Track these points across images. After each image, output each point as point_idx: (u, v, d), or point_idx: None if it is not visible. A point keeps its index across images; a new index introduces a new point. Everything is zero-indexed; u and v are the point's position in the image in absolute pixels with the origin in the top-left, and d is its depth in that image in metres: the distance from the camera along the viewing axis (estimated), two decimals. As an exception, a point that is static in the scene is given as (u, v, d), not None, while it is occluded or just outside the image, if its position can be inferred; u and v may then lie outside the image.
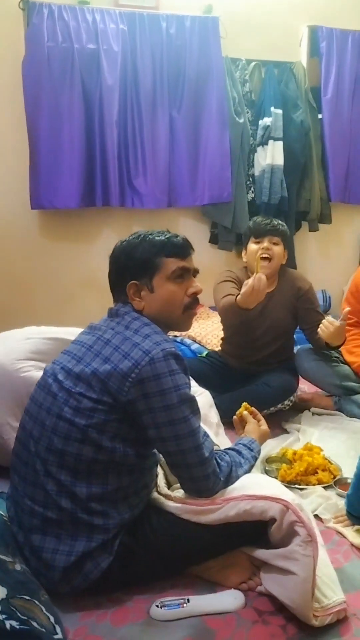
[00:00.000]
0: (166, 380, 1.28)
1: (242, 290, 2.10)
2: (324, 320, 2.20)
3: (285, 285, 2.38)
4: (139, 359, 1.27)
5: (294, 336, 2.54)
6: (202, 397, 2.15)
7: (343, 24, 3.36)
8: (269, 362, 2.41)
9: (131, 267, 1.41)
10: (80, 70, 2.76)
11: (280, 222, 2.38)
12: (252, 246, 2.34)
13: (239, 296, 2.12)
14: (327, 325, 2.17)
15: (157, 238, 1.42)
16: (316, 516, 1.66)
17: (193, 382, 2.22)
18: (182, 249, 1.45)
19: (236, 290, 2.26)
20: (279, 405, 2.34)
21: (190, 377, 2.18)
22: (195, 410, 1.35)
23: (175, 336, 3.09)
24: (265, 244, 2.30)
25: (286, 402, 2.36)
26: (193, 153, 3.09)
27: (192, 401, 1.34)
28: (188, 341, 3.04)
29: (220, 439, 1.95)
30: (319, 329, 2.20)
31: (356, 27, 3.39)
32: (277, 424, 2.31)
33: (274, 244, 2.32)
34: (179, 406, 1.29)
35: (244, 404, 1.79)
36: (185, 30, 2.95)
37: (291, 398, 2.39)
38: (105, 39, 2.78)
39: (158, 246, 1.41)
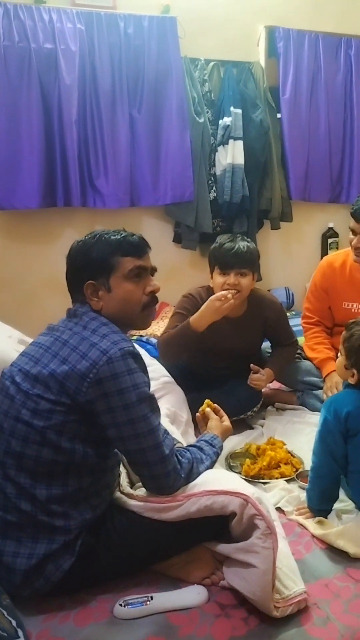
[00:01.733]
0: (125, 379, 1.28)
1: (206, 303, 2.06)
2: (253, 376, 2.24)
3: (253, 312, 2.31)
4: (96, 359, 1.27)
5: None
6: (174, 394, 2.16)
7: (299, 24, 3.41)
8: (235, 375, 2.34)
9: (88, 267, 1.41)
10: (37, 70, 2.73)
11: (247, 244, 2.19)
12: (217, 278, 2.18)
13: (196, 314, 2.09)
14: (258, 381, 2.24)
15: (112, 237, 1.42)
16: (279, 509, 1.69)
17: (168, 378, 2.23)
18: (139, 247, 1.45)
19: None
20: (242, 416, 2.31)
21: (168, 374, 2.23)
22: (154, 408, 1.36)
23: (141, 335, 3.09)
24: (232, 279, 2.14)
25: (249, 413, 2.34)
26: (154, 153, 3.09)
27: (151, 399, 1.34)
28: (154, 340, 3.03)
29: (188, 438, 1.96)
30: (251, 384, 2.24)
31: (312, 27, 3.44)
32: (242, 420, 2.33)
33: (242, 275, 2.16)
34: (138, 405, 1.30)
35: (207, 401, 1.80)
36: (143, 30, 2.95)
37: (255, 409, 2.36)
38: (63, 39, 2.76)
39: (114, 245, 1.41)
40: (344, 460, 1.59)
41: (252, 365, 2.27)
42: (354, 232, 2.19)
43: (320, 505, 1.63)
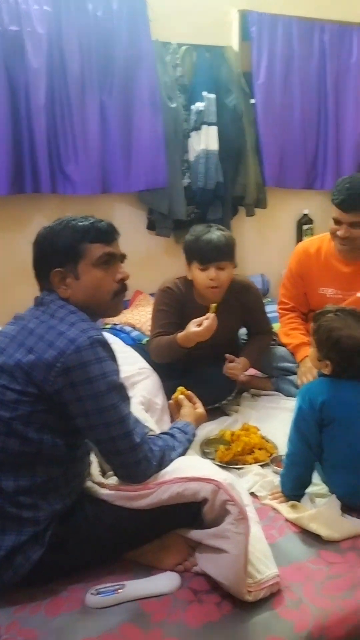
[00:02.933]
0: (93, 368, 1.26)
1: (192, 330, 2.04)
2: (228, 365, 2.24)
3: (232, 297, 2.29)
4: (64, 348, 1.25)
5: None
6: (150, 380, 2.15)
7: (273, 9, 3.37)
8: (210, 363, 2.32)
9: (55, 254, 1.39)
10: (2, 53, 2.66)
11: (223, 234, 2.15)
12: (197, 273, 2.16)
13: (182, 335, 2.07)
14: (233, 369, 2.23)
15: (80, 223, 1.40)
16: (253, 494, 1.69)
17: (144, 364, 2.21)
18: (107, 234, 1.43)
19: (173, 320, 2.21)
20: (217, 405, 2.31)
21: (144, 360, 2.21)
22: (124, 396, 1.34)
23: (115, 324, 3.07)
24: (212, 274, 2.12)
25: (224, 402, 2.35)
26: (126, 138, 3.04)
27: (120, 388, 1.33)
28: (128, 328, 3.01)
29: (164, 425, 1.95)
30: (227, 373, 2.24)
31: (286, 12, 3.40)
32: (217, 407, 2.33)
33: (221, 269, 2.14)
34: (108, 394, 1.28)
35: (180, 388, 1.80)
36: (112, 13, 2.89)
37: (230, 397, 2.37)
38: (29, 21, 2.68)
39: (81, 232, 1.39)
40: (319, 449, 1.60)
41: (227, 355, 2.27)
42: (338, 222, 2.18)
43: (294, 491, 1.64)
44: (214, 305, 2.09)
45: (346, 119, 3.65)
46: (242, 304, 2.33)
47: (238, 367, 2.26)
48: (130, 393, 2.01)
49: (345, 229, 2.16)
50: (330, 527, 1.46)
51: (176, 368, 2.33)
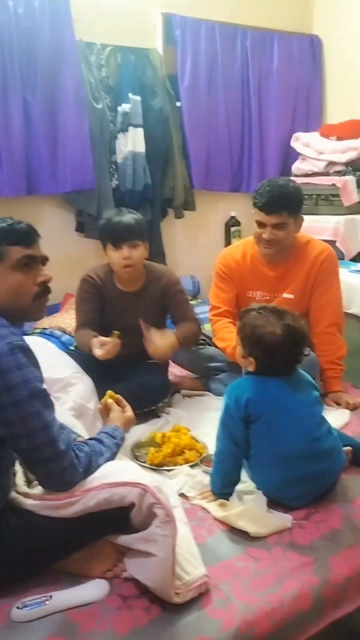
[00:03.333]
0: (14, 375, 1.22)
1: (94, 350, 2.09)
2: (148, 337, 2.21)
3: (151, 284, 2.33)
4: (-18, 355, 1.20)
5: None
6: (83, 385, 2.10)
7: (196, 13, 3.42)
8: (138, 356, 2.33)
9: (-28, 258, 1.33)
10: None
11: (134, 216, 2.22)
12: (111, 254, 2.22)
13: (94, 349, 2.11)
14: (154, 344, 2.20)
15: (-3, 226, 1.35)
16: (183, 495, 1.70)
17: (77, 369, 2.17)
18: (27, 236, 1.38)
19: (94, 306, 2.28)
20: (153, 407, 2.32)
21: (77, 365, 2.18)
22: (47, 403, 1.31)
23: (45, 328, 3.00)
24: (125, 252, 2.18)
25: (159, 404, 2.35)
26: (51, 139, 2.99)
27: (43, 395, 1.29)
28: (58, 333, 2.96)
29: (96, 430, 1.91)
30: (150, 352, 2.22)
31: (208, 16, 3.46)
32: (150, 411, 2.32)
33: (133, 247, 2.20)
34: (30, 401, 1.25)
35: (109, 392, 1.78)
36: (34, 11, 2.83)
37: (164, 400, 2.38)
38: None
39: (-1, 234, 1.34)
40: (246, 445, 1.62)
41: (140, 320, 2.24)
42: (262, 225, 2.21)
43: (223, 489, 1.65)
44: (116, 332, 2.11)
45: (269, 123, 3.76)
46: (162, 287, 2.34)
47: (157, 348, 2.21)
48: (64, 397, 2.01)
49: (270, 231, 2.20)
50: (257, 523, 1.49)
51: (109, 369, 2.31)
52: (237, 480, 1.66)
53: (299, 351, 1.62)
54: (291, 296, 2.34)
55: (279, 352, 1.59)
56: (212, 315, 2.52)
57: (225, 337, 2.42)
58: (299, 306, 2.32)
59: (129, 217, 2.21)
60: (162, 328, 2.48)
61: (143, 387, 2.24)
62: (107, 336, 2.18)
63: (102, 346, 2.09)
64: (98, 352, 2.08)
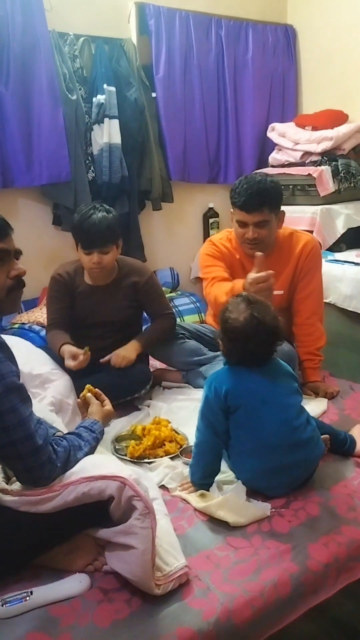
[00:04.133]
0: (-12, 370, 1.21)
1: (66, 362, 2.13)
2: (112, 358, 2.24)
3: (121, 278, 2.35)
4: None
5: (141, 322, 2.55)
6: (62, 381, 2.11)
7: (170, 2, 3.38)
8: (116, 348, 2.34)
9: None
10: None
11: (106, 216, 2.17)
12: (82, 255, 2.22)
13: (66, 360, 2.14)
14: (117, 358, 2.24)
15: (-31, 220, 1.33)
16: (163, 486, 1.71)
17: (55, 366, 2.16)
18: (-1, 229, 1.37)
19: (63, 305, 2.33)
20: (135, 395, 2.34)
21: (54, 362, 2.17)
22: (24, 398, 1.30)
23: (23, 323, 2.98)
24: (95, 258, 2.18)
25: (142, 392, 2.37)
26: (26, 131, 2.94)
27: (19, 390, 1.29)
28: (37, 327, 2.93)
29: (75, 425, 1.91)
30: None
31: (182, 6, 3.43)
32: (129, 402, 2.32)
33: (104, 253, 2.19)
34: (6, 396, 1.24)
35: (87, 386, 1.78)
36: (5, 1, 2.78)
37: (146, 388, 2.40)
38: None
39: (-29, 228, 1.32)
40: (226, 435, 1.63)
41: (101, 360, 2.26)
42: (244, 224, 2.18)
43: (203, 479, 1.66)
44: (87, 347, 2.14)
45: (245, 113, 3.75)
46: (133, 282, 2.35)
47: (120, 355, 2.26)
48: (43, 393, 2.00)
49: (252, 230, 2.17)
50: (236, 513, 1.50)
51: (88, 364, 2.31)
52: (217, 470, 1.67)
53: (268, 343, 1.62)
54: (280, 292, 2.32)
55: (239, 340, 1.60)
56: (209, 287, 2.35)
57: (222, 287, 2.28)
58: (285, 301, 2.35)
59: (101, 219, 2.17)
60: (138, 322, 2.49)
61: (123, 376, 2.25)
62: (78, 334, 2.23)
63: (74, 358, 2.11)
64: (70, 364, 2.11)
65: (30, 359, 2.14)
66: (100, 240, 2.16)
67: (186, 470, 1.74)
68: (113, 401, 1.75)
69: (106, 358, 2.26)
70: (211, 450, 1.65)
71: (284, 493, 1.62)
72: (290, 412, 1.64)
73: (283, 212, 2.26)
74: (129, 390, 2.30)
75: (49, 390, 2.04)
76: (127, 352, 2.27)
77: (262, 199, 2.11)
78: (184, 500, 1.62)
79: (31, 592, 1.26)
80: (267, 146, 3.80)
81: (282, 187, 3.46)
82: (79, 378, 2.15)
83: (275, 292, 2.24)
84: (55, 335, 2.27)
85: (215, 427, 1.62)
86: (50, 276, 2.37)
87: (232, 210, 2.24)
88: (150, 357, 2.60)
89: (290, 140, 3.54)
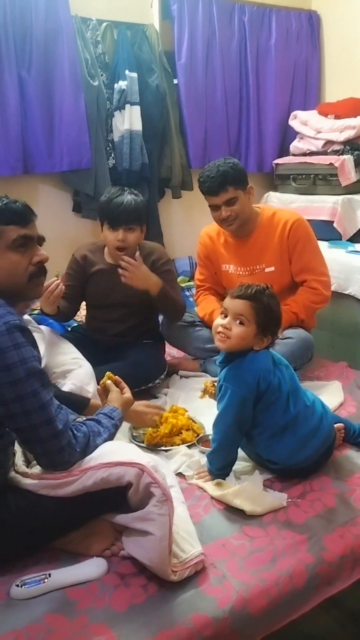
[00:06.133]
0: (11, 354, 1.22)
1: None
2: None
3: (143, 260, 2.34)
4: (-21, 335, 1.20)
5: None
6: (83, 369, 2.13)
7: (193, -13, 3.35)
8: (132, 334, 2.39)
9: (-33, 238, 1.32)
10: None
11: (134, 198, 2.22)
12: (107, 234, 2.25)
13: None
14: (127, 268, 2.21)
15: (-7, 205, 1.34)
16: (180, 474, 1.72)
17: (76, 354, 2.18)
18: (22, 215, 1.38)
19: (73, 285, 2.37)
20: (150, 385, 2.35)
21: (75, 350, 2.20)
22: (45, 383, 1.31)
23: (44, 309, 2.99)
24: (121, 235, 2.21)
25: (157, 382, 2.38)
26: (47, 116, 2.94)
27: (41, 374, 1.29)
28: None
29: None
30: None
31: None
32: (147, 390, 2.33)
33: (130, 230, 2.22)
34: (27, 380, 1.25)
35: (107, 373, 1.78)
36: (28, -15, 2.77)
37: (161, 377, 2.41)
38: None
39: (-6, 214, 1.33)
40: (248, 426, 1.63)
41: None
42: (216, 207, 2.33)
43: (222, 469, 1.66)
44: (57, 272, 2.18)
45: (267, 100, 3.71)
46: (152, 263, 2.36)
47: (138, 276, 2.21)
48: (62, 382, 2.01)
49: (224, 209, 2.30)
50: (253, 502, 1.51)
51: (102, 349, 2.37)
52: (235, 459, 1.68)
53: None
54: (272, 268, 2.44)
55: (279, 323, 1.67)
56: (196, 293, 2.72)
57: (205, 306, 2.59)
58: (281, 277, 2.43)
59: (130, 198, 2.21)
60: (153, 311, 2.50)
61: (138, 365, 2.27)
62: (98, 329, 2.29)
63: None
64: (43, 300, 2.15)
65: (51, 348, 2.17)
66: (128, 217, 2.20)
67: (203, 459, 1.75)
68: None
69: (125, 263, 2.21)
70: (234, 444, 1.66)
71: (311, 465, 1.66)
72: (296, 381, 1.69)
73: (251, 187, 2.38)
74: (144, 380, 2.31)
75: (69, 377, 2.06)
76: (145, 279, 2.23)
77: (224, 180, 2.26)
78: (201, 488, 1.63)
79: (49, 575, 1.28)
80: (289, 134, 3.76)
81: (303, 176, 3.47)
82: (95, 366, 2.17)
83: (267, 270, 2.44)
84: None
85: (242, 423, 1.61)
86: (72, 254, 2.43)
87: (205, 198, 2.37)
88: (167, 345, 2.62)
89: (312, 129, 3.50)
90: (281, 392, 1.61)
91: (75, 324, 2.75)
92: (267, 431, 1.64)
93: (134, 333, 2.38)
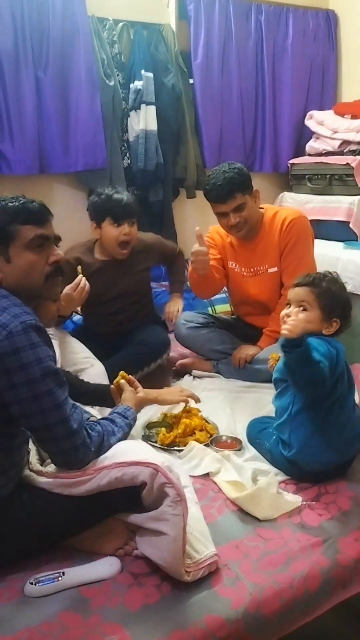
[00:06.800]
0: (27, 354, 1.23)
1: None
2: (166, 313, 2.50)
3: (134, 248, 2.44)
4: (-5, 334, 1.20)
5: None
6: (95, 368, 2.16)
7: (210, -14, 3.34)
8: (133, 320, 2.51)
9: (-16, 237, 1.33)
10: None
11: (128, 194, 2.37)
12: (110, 229, 2.32)
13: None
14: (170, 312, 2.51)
15: (10, 204, 1.34)
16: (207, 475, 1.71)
17: (87, 353, 2.20)
18: (39, 215, 1.38)
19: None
20: (158, 361, 2.42)
21: (86, 349, 2.22)
22: (60, 382, 1.31)
23: (56, 309, 3.01)
24: (126, 229, 2.32)
25: (164, 357, 2.47)
26: (63, 116, 2.96)
27: (56, 374, 1.30)
28: (69, 313, 2.96)
29: (106, 411, 1.94)
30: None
31: (223, -9, 3.39)
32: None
33: (132, 224, 2.34)
34: (42, 380, 1.25)
35: (121, 372, 1.80)
36: (46, -15, 2.79)
37: (168, 352, 2.51)
38: None
39: (12, 213, 1.34)
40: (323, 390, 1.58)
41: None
42: (224, 214, 2.31)
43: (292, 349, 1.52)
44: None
45: (283, 100, 3.69)
46: (144, 245, 2.49)
47: (174, 307, 2.53)
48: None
49: (233, 216, 2.29)
50: (266, 506, 1.50)
51: (105, 341, 2.44)
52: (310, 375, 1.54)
53: None
54: (274, 269, 2.42)
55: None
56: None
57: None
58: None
59: (126, 195, 2.35)
60: (149, 291, 2.64)
61: (142, 344, 2.37)
62: (98, 323, 2.39)
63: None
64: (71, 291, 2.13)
65: (64, 345, 2.18)
66: (131, 211, 2.32)
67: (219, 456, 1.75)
68: (137, 371, 1.79)
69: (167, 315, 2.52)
70: (317, 376, 1.52)
71: (324, 470, 1.65)
72: (353, 388, 1.70)
73: (257, 191, 2.37)
74: (148, 357, 2.38)
75: (81, 376, 2.07)
76: (175, 304, 2.54)
77: (231, 187, 2.24)
78: (216, 483, 1.63)
79: (63, 573, 1.28)
80: (305, 134, 3.74)
81: (319, 176, 3.44)
82: (105, 356, 2.26)
83: (270, 270, 2.42)
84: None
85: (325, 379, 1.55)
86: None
87: (211, 206, 2.36)
88: (180, 346, 2.63)
89: (328, 129, 3.48)
90: (335, 389, 1.61)
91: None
92: (303, 414, 1.63)
93: (135, 318, 2.50)
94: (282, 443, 1.69)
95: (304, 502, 1.55)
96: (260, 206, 2.43)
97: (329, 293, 1.64)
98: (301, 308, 1.64)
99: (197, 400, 1.98)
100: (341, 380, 1.62)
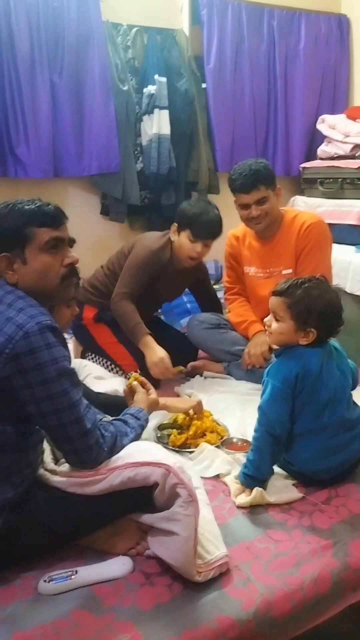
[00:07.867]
0: (42, 354, 1.25)
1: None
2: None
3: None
4: (12, 334, 1.23)
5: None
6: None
7: (223, -8, 3.36)
8: (154, 322, 2.63)
9: (1, 239, 1.35)
10: None
11: (217, 214, 2.39)
12: (185, 241, 2.35)
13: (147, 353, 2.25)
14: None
15: (26, 207, 1.37)
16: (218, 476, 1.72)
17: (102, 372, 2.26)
18: (55, 218, 1.40)
19: (144, 283, 2.37)
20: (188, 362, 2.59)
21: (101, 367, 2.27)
22: (75, 382, 1.33)
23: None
24: (199, 248, 2.35)
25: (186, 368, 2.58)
26: (77, 121, 2.99)
27: (71, 374, 1.32)
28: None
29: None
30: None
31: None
32: (171, 391, 2.35)
33: (207, 246, 2.39)
34: (58, 380, 1.27)
35: (134, 374, 1.82)
36: (61, -9, 2.83)
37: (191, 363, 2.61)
38: (-25, -2, 2.60)
39: (28, 216, 1.36)
40: (286, 427, 1.58)
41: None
42: (246, 206, 2.33)
43: (269, 471, 1.62)
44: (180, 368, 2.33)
45: (295, 105, 3.70)
46: (199, 264, 2.55)
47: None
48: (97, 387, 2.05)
49: (255, 208, 2.31)
50: (276, 493, 1.54)
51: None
52: (268, 474, 1.63)
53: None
54: (289, 271, 2.42)
55: (339, 316, 1.61)
56: (227, 295, 2.71)
57: (242, 313, 2.57)
58: None
59: (216, 215, 2.38)
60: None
61: (176, 347, 2.43)
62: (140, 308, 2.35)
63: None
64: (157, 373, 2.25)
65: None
66: (212, 234, 2.37)
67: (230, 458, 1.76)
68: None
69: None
70: (267, 446, 1.58)
71: (329, 478, 1.63)
72: (345, 391, 1.65)
73: (279, 189, 2.38)
74: (179, 359, 2.43)
75: (101, 383, 2.11)
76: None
77: (256, 178, 2.26)
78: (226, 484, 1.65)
79: (76, 571, 1.30)
80: (316, 138, 3.74)
81: (331, 180, 3.45)
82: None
83: (284, 272, 2.42)
84: (132, 311, 2.32)
85: (281, 423, 1.57)
86: (151, 249, 2.40)
87: (234, 198, 2.38)
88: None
89: (340, 133, 3.48)
90: (318, 396, 1.56)
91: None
92: (293, 429, 1.61)
93: (158, 320, 2.64)
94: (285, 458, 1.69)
95: (314, 505, 1.55)
96: (281, 208, 2.44)
97: (301, 303, 1.56)
98: (275, 318, 1.62)
99: (200, 411, 2.00)
100: (317, 392, 1.56)
